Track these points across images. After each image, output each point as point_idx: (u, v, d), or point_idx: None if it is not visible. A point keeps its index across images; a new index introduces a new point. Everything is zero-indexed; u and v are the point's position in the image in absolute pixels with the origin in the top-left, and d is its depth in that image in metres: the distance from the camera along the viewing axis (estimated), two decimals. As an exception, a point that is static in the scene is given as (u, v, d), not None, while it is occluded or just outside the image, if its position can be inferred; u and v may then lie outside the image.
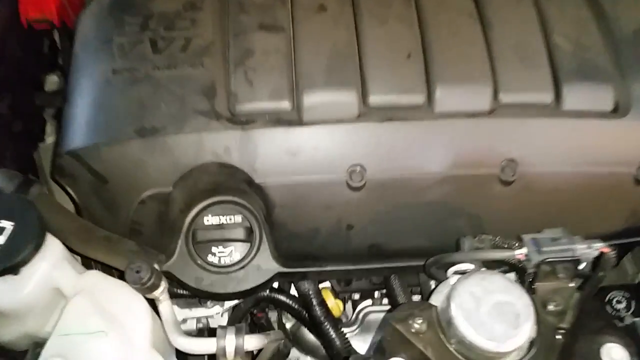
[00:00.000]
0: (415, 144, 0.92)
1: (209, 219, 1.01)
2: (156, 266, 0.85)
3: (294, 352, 1.38)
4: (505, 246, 0.86)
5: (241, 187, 0.97)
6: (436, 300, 0.81)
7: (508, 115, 0.95)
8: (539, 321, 0.77)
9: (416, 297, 1.27)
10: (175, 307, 1.22)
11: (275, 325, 1.30)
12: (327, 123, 0.91)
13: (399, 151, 0.92)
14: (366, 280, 1.19)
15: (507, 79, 0.96)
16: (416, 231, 0.97)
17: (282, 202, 0.92)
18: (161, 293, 0.81)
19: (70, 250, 0.84)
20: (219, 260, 1.00)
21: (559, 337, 0.78)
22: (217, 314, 1.25)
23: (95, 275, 0.79)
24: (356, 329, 1.32)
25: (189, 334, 1.30)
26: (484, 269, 0.86)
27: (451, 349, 0.74)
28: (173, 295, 1.15)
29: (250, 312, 1.17)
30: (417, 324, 0.76)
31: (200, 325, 1.29)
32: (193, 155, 0.90)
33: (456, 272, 0.86)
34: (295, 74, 0.93)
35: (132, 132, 0.89)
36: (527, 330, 0.73)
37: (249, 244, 1.01)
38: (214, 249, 1.00)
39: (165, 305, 0.82)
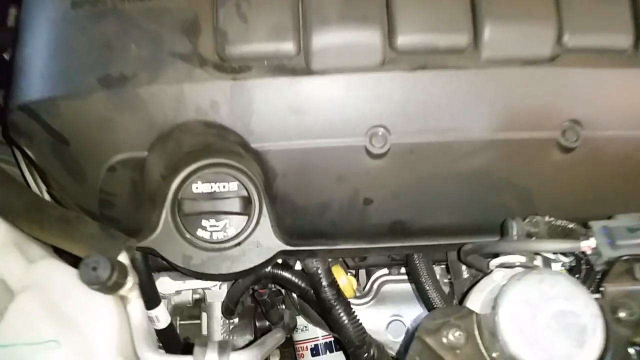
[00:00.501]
0: (454, 99, 0.72)
1: (199, 187, 0.84)
2: (123, 257, 0.68)
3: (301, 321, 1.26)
4: (567, 233, 0.68)
5: (235, 150, 0.79)
6: (475, 302, 0.65)
7: (574, 63, 0.74)
8: (609, 334, 0.60)
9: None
10: (167, 279, 1.07)
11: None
12: (342, 72, 0.71)
13: (433, 109, 0.72)
14: (384, 255, 1.02)
15: (575, 17, 0.74)
16: (450, 207, 0.79)
17: (284, 171, 0.74)
18: (129, 291, 0.65)
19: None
20: (211, 236, 0.84)
21: (633, 354, 0.61)
22: (214, 286, 1.11)
23: (49, 264, 0.63)
24: (370, 300, 1.18)
25: (182, 306, 1.18)
26: (537, 262, 0.68)
27: (497, 370, 0.58)
28: (162, 268, 1.00)
29: (252, 288, 1.02)
30: (453, 336, 0.59)
31: (197, 296, 1.15)
32: (172, 112, 0.71)
33: (501, 265, 0.68)
34: (302, 6, 0.72)
35: (95, 83, 0.70)
36: (594, 348, 0.57)
37: (246, 217, 0.84)
38: (204, 223, 0.84)
39: (135, 306, 0.66)
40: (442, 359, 0.58)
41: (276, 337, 0.71)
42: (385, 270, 1.18)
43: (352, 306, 1.13)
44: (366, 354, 0.91)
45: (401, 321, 1.18)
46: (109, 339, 0.58)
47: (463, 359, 0.59)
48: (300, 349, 1.29)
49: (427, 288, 0.93)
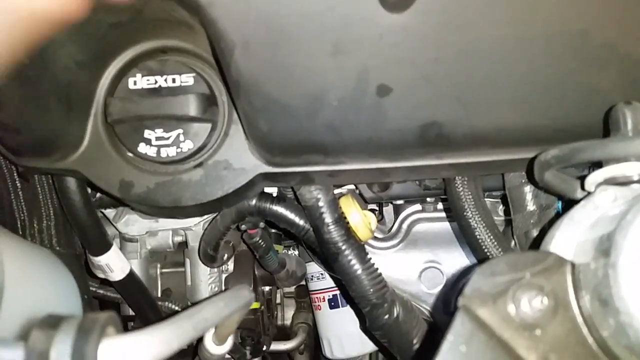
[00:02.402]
0: None
1: (137, 81, 0.57)
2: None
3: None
4: None
5: (181, 18, 0.51)
6: (565, 243, 0.37)
7: None
8: None
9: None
10: (135, 217, 0.84)
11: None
12: None
13: None
14: (414, 183, 0.74)
15: None
16: (517, 96, 0.50)
17: (245, 37, 0.46)
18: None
19: None
20: (158, 152, 0.58)
21: None
22: (196, 224, 0.86)
23: None
24: (399, 243, 0.93)
25: (162, 251, 0.94)
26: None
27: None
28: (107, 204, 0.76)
29: (239, 229, 0.77)
30: (531, 305, 0.32)
31: (179, 239, 0.91)
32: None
33: (609, 182, 0.39)
34: None
35: None
36: None
37: (208, 125, 0.58)
38: (147, 133, 0.58)
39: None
40: (509, 347, 0.31)
41: (226, 304, 0.44)
42: (417, 207, 0.91)
43: (375, 250, 0.91)
44: (387, 315, 0.65)
45: (438, 268, 0.93)
46: None
47: (548, 346, 0.32)
48: (316, 299, 1.06)
49: (475, 226, 0.65)
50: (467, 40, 0.46)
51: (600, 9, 0.45)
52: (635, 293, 0.30)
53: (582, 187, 0.42)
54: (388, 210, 0.97)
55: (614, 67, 0.48)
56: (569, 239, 0.36)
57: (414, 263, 0.92)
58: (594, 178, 0.40)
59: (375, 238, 0.91)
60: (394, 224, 0.93)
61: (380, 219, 0.97)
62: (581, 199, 0.40)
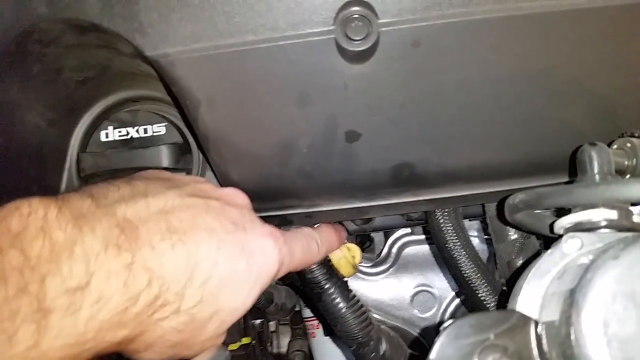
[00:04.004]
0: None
1: (109, 133, 0.58)
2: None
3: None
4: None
5: (147, 71, 0.51)
6: (532, 298, 0.37)
7: None
8: None
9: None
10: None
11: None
12: None
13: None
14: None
15: None
16: (485, 135, 0.50)
17: (209, 94, 0.46)
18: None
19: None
20: (133, 204, 0.57)
21: None
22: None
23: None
24: (389, 267, 0.92)
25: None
26: (637, 218, 0.39)
27: None
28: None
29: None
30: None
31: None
32: (9, 12, 0.43)
33: (577, 227, 0.39)
34: None
35: None
36: None
37: (182, 173, 0.58)
38: (122, 185, 0.57)
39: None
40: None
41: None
42: (407, 229, 0.91)
43: (365, 276, 0.90)
44: (373, 353, 0.65)
45: (430, 292, 0.92)
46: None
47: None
48: (310, 326, 1.05)
49: (457, 257, 0.65)
50: (431, 85, 0.46)
51: (564, 47, 0.45)
52: (598, 353, 0.30)
53: (552, 230, 0.42)
54: (378, 233, 0.97)
55: (582, 101, 0.48)
56: (536, 290, 0.36)
57: (405, 287, 0.92)
58: (562, 223, 0.40)
59: (366, 264, 0.91)
60: (383, 247, 0.93)
61: (369, 245, 0.97)
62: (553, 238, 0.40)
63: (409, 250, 0.92)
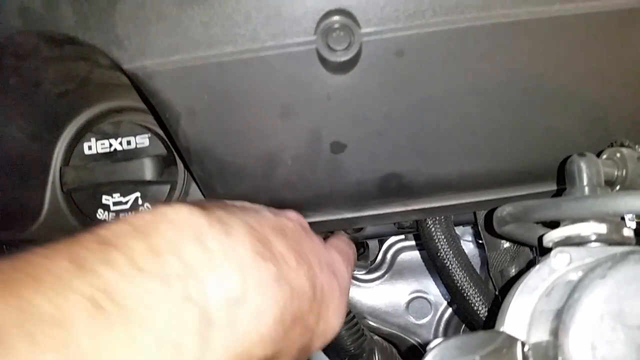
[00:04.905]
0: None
1: (92, 145, 0.56)
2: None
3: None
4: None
5: (128, 82, 0.50)
6: (519, 317, 0.35)
7: None
8: None
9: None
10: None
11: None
12: None
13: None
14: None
15: None
16: (474, 143, 0.49)
17: (190, 107, 0.45)
18: None
19: None
20: (116, 218, 0.56)
21: None
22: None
23: None
24: (384, 274, 0.91)
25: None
26: (627, 232, 0.38)
27: None
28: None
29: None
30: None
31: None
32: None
33: (565, 242, 0.38)
34: None
35: None
36: None
37: (167, 185, 0.56)
38: (105, 199, 0.56)
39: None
40: None
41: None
42: (400, 235, 0.90)
43: (360, 283, 0.89)
44: (366, 365, 0.64)
45: (425, 298, 0.91)
46: None
47: None
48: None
49: (449, 266, 0.64)
50: (417, 94, 0.45)
51: (553, 54, 0.44)
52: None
53: (540, 242, 0.41)
54: (373, 242, 0.96)
55: (571, 109, 0.47)
56: (524, 308, 0.35)
57: (400, 294, 0.91)
58: (550, 237, 0.39)
59: (360, 270, 0.90)
60: (377, 253, 0.92)
61: (363, 251, 0.96)
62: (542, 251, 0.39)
63: (403, 256, 0.91)
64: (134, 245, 0.31)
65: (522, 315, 0.34)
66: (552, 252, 0.37)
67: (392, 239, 0.91)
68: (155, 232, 0.33)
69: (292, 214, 0.48)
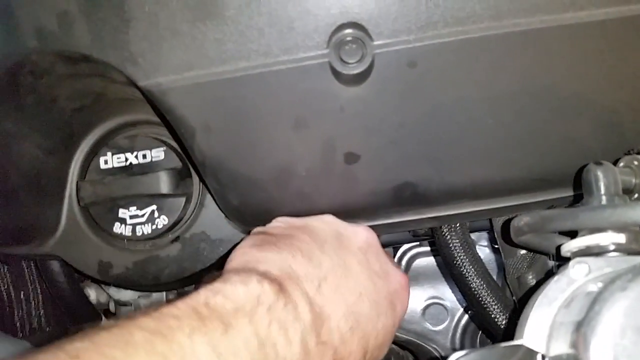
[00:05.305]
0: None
1: (108, 160, 0.57)
2: None
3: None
4: None
5: (142, 97, 0.51)
6: (538, 329, 0.35)
7: None
8: None
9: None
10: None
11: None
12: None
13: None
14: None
15: None
16: (488, 151, 0.49)
17: (205, 122, 0.45)
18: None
19: None
20: (133, 231, 0.57)
21: None
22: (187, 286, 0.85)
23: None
24: (400, 280, 0.90)
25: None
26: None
27: None
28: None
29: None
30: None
31: (173, 297, 0.90)
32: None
33: (584, 252, 0.38)
34: None
35: None
36: None
37: (182, 198, 0.57)
38: (122, 212, 0.57)
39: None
40: None
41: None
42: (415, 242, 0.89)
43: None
44: (382, 374, 0.63)
45: (442, 304, 0.90)
46: None
47: None
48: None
49: (466, 274, 0.63)
50: (430, 104, 0.45)
51: (565, 62, 0.44)
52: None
53: (558, 251, 0.40)
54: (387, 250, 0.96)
55: (585, 117, 0.47)
56: (544, 319, 0.35)
57: (416, 300, 0.90)
58: (568, 247, 0.38)
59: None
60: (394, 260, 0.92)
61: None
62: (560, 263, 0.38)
63: (419, 262, 0.91)
64: None
65: (542, 327, 0.34)
66: (571, 263, 0.36)
67: (407, 245, 0.91)
68: (225, 303, 0.37)
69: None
